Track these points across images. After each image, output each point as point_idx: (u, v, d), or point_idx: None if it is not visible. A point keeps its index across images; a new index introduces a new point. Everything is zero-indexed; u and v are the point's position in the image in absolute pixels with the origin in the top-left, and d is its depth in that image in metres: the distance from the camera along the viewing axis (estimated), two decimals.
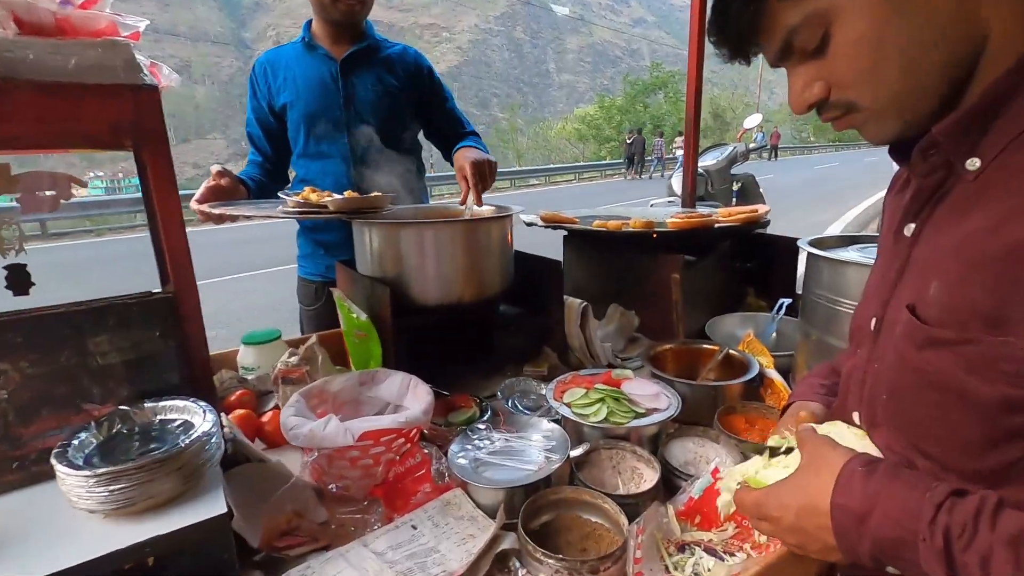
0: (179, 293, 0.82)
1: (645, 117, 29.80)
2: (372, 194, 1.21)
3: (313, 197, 1.23)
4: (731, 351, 1.27)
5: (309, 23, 1.61)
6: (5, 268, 0.93)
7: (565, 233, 1.76)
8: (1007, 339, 0.48)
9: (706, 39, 0.66)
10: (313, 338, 1.17)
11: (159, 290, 0.83)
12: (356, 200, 1.17)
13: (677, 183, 5.08)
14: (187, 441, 0.69)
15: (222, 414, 1.02)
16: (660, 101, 31.49)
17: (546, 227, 1.58)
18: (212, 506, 0.67)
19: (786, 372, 1.30)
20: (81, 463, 0.66)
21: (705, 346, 1.31)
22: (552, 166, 23.77)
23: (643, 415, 0.99)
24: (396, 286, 1.18)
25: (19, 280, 0.91)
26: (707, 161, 5.41)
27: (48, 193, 0.97)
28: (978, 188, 0.54)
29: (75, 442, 0.69)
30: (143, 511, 0.65)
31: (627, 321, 1.53)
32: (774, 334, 1.50)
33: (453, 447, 0.95)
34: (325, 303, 1.67)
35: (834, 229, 8.78)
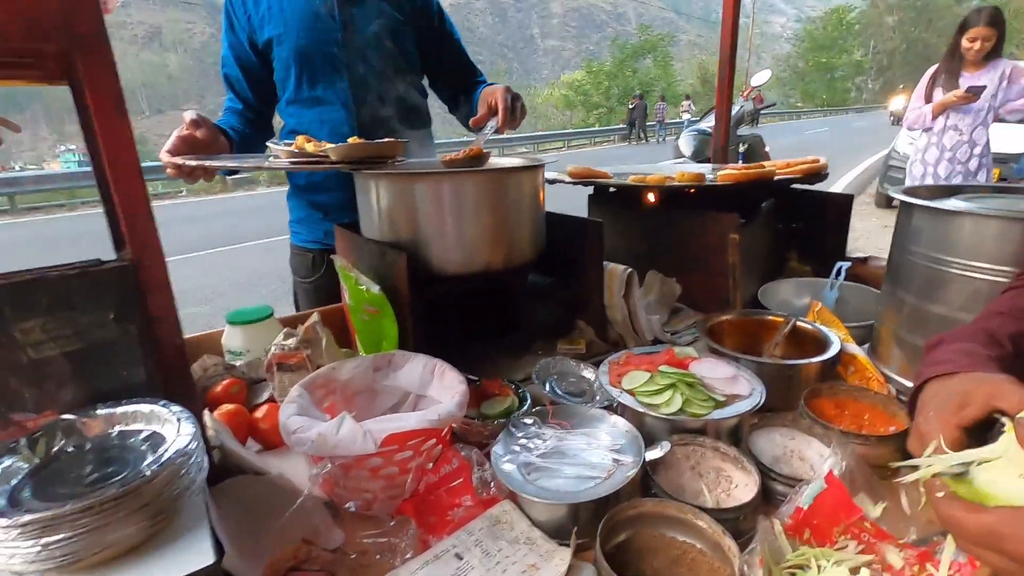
0: (140, 259, 0.61)
1: (634, 82, 29.21)
2: (382, 140, 0.99)
3: (309, 147, 1.01)
4: (799, 322, 1.10)
5: None
6: None
7: (590, 192, 1.56)
8: None
9: None
10: (314, 315, 0.97)
11: (112, 258, 0.62)
12: (362, 147, 0.96)
13: (685, 144, 4.85)
14: (157, 465, 0.49)
15: (206, 412, 0.83)
16: (649, 66, 30.83)
17: (575, 183, 1.38)
18: (195, 554, 0.48)
19: (860, 344, 1.13)
20: (3, 503, 0.46)
21: (768, 316, 1.14)
22: (540, 133, 23.24)
23: (723, 404, 0.82)
24: (412, 251, 0.98)
25: None
26: (712, 121, 5.16)
27: None
28: None
29: None
30: (94, 567, 0.46)
31: (668, 289, 1.35)
32: (834, 301, 1.33)
33: (496, 449, 0.77)
34: (324, 274, 1.45)
35: (837, 187, 8.65)
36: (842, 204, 1.54)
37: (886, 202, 7.33)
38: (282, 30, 1.29)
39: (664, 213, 1.38)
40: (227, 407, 0.89)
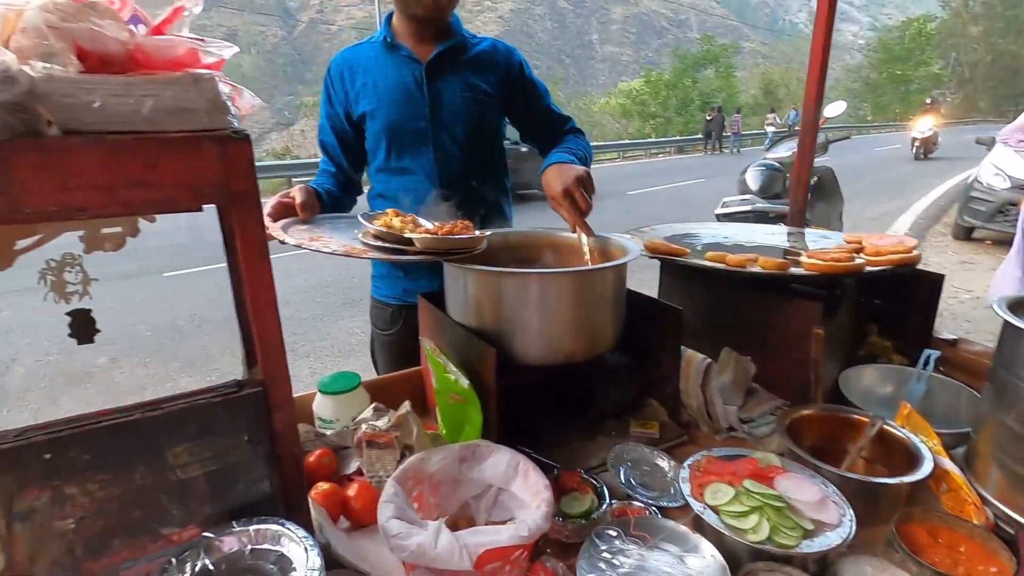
0: (269, 382, 0.67)
1: (693, 93, 28.61)
2: (466, 233, 1.03)
3: (396, 222, 1.06)
4: (886, 425, 1.07)
5: (389, 17, 1.42)
6: (68, 315, 0.81)
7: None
8: None
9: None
10: (406, 406, 1.01)
11: (242, 380, 0.68)
12: (446, 239, 1.00)
13: (753, 179, 4.70)
14: None
15: (309, 497, 0.89)
16: (709, 76, 30.13)
17: (651, 258, 1.38)
18: None
19: (950, 450, 1.09)
20: None
21: (854, 416, 1.11)
22: (594, 144, 23.11)
23: (811, 532, 0.81)
24: (497, 341, 1.01)
25: (84, 326, 0.78)
26: (781, 153, 5.00)
27: (113, 230, 0.84)
28: None
29: None
30: None
31: (743, 370, 1.33)
32: (921, 394, 1.28)
33: (582, 564, 0.78)
34: (401, 329, 1.51)
35: (902, 222, 8.21)
36: (932, 283, 1.47)
37: (965, 234, 6.89)
38: (375, 106, 1.36)
39: (741, 292, 1.36)
40: (323, 487, 0.95)
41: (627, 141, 23.19)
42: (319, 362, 3.95)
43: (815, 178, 4.79)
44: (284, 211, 1.22)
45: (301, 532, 0.62)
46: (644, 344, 1.22)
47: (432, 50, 1.38)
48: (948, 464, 0.99)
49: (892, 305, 1.55)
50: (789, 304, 1.25)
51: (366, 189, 1.55)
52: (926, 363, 1.30)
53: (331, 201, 1.40)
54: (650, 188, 13.33)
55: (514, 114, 1.50)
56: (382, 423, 1.01)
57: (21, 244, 0.77)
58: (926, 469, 0.95)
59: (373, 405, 1.06)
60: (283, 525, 0.63)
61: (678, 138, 24.48)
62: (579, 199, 1.20)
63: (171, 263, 6.26)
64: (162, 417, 0.61)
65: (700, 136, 23.51)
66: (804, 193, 1.83)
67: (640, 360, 1.23)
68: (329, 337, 4.36)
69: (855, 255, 1.23)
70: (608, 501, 0.94)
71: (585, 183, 1.24)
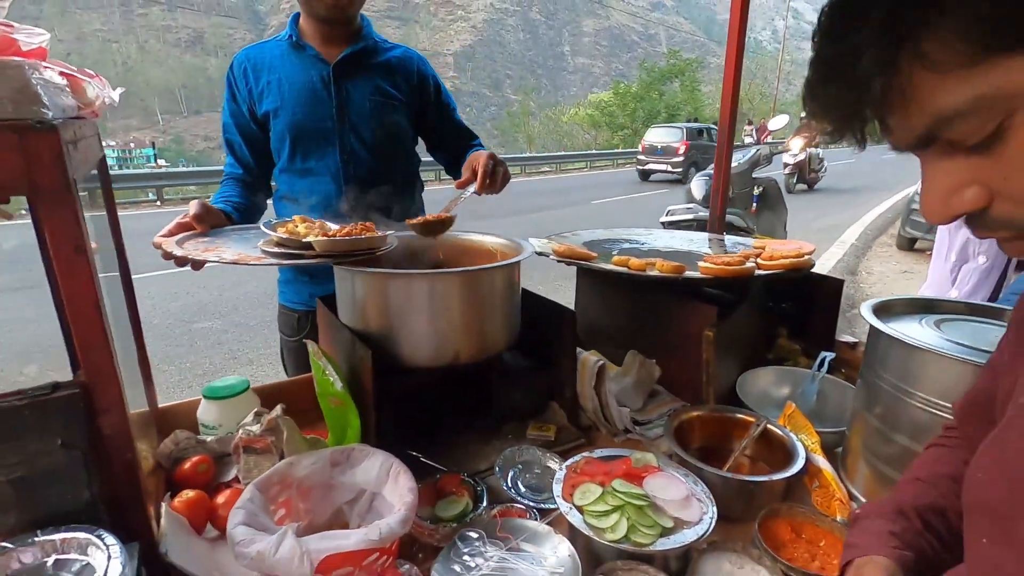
0: (93, 384, 0.64)
1: (660, 105, 29.21)
2: (367, 233, 1.02)
3: (302, 228, 1.04)
4: (770, 425, 1.09)
5: (296, 18, 1.40)
6: None
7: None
8: None
9: (805, 107, 0.46)
10: (278, 409, 0.99)
11: (59, 382, 0.65)
12: (346, 241, 0.98)
13: (697, 188, 4.83)
14: None
15: (163, 504, 0.85)
16: (676, 89, 30.82)
17: (559, 262, 1.39)
18: None
19: (833, 448, 1.12)
20: None
21: (740, 416, 1.13)
22: (563, 154, 23.37)
23: (670, 531, 0.81)
24: (381, 343, 1.00)
25: None
26: (738, 160, 5.14)
27: None
28: None
29: None
30: None
31: (646, 372, 1.34)
32: (815, 396, 1.32)
33: (437, 567, 0.77)
34: (308, 334, 1.48)
35: (852, 232, 8.50)
36: (833, 288, 1.52)
37: (908, 245, 7.18)
38: (279, 104, 1.34)
39: (647, 295, 1.38)
40: (188, 494, 0.91)
41: (594, 151, 23.49)
42: (261, 369, 3.86)
43: (760, 188, 4.93)
44: (183, 229, 1.16)
45: (111, 540, 0.60)
46: (542, 346, 1.22)
47: (340, 51, 1.37)
48: (821, 462, 1.02)
49: (798, 309, 1.59)
50: (686, 307, 1.27)
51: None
52: (821, 365, 1.33)
53: (241, 212, 1.34)
54: (615, 198, 13.51)
55: (424, 124, 1.50)
56: (257, 428, 0.98)
57: None
58: (796, 467, 0.97)
59: (255, 410, 1.03)
60: (93, 533, 0.60)
61: (632, 150, 24.92)
62: (498, 169, 1.28)
63: None
64: None
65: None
66: (722, 202, 1.87)
67: (539, 362, 1.23)
68: (274, 345, 4.23)
69: (747, 260, 1.25)
70: (485, 504, 0.94)
71: (505, 172, 1.30)
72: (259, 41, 1.43)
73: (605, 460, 0.96)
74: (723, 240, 1.79)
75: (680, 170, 15.54)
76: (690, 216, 4.54)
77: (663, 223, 4.66)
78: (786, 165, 12.87)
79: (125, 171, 15.05)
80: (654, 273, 1.24)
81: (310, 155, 1.36)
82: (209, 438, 1.08)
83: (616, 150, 24.92)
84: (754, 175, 4.97)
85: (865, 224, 9.17)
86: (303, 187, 1.38)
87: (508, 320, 1.11)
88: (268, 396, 1.20)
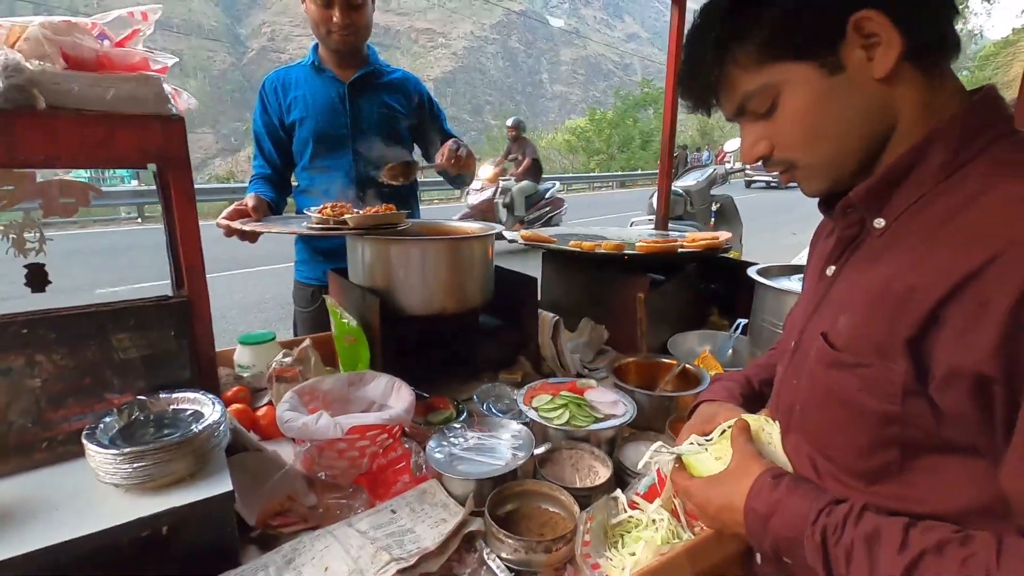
0: (192, 298, 0.93)
1: (634, 132, 30.19)
2: (390, 211, 1.32)
3: (328, 212, 1.34)
4: (687, 366, 1.40)
5: (316, 47, 1.72)
6: (25, 267, 1.03)
7: (544, 250, 1.88)
8: (890, 365, 0.60)
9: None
10: (307, 341, 1.27)
11: (171, 294, 0.93)
12: (374, 216, 1.28)
13: (655, 202, 5.27)
14: (199, 428, 0.79)
15: None
16: (650, 116, 31.93)
17: (526, 245, 1.70)
18: (219, 485, 0.77)
19: None
20: (107, 443, 0.76)
21: (664, 360, 1.44)
22: (543, 177, 23.98)
23: (601, 420, 1.12)
24: (385, 296, 1.29)
25: (38, 278, 1.01)
26: (687, 182, 5.61)
27: (67, 200, 1.07)
28: (883, 243, 0.67)
29: (101, 426, 0.79)
30: (160, 487, 0.75)
31: (597, 334, 1.66)
32: (731, 352, 1.64)
33: (431, 443, 1.06)
34: (320, 306, 1.76)
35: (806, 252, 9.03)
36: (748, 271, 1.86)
37: None
38: (304, 115, 1.66)
39: (597, 272, 1.70)
40: (236, 406, 1.18)
41: (571, 175, 24.18)
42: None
43: (718, 204, 5.38)
44: (239, 215, 1.48)
45: (211, 396, 0.88)
46: (511, 310, 1.53)
47: (353, 74, 1.70)
48: None
49: (725, 289, 1.93)
50: (627, 279, 1.59)
51: (294, 187, 1.82)
52: (736, 328, 1.66)
53: (274, 206, 1.67)
54: (591, 219, 13.98)
55: (418, 132, 1.82)
56: (288, 360, 1.26)
57: None
58: (702, 387, 1.28)
59: (283, 351, 1.31)
60: (198, 393, 0.88)
61: (620, 173, 25.74)
62: (461, 151, 1.59)
63: None
64: (110, 311, 0.85)
65: (641, 172, 24.78)
66: (665, 206, 2.22)
67: (508, 322, 1.54)
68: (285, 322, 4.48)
69: (674, 242, 1.59)
70: (465, 415, 1.23)
71: (469, 153, 1.62)
72: (285, 66, 1.76)
73: (557, 383, 1.26)
74: (667, 234, 2.13)
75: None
76: (651, 227, 4.94)
77: None
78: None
79: (105, 188, 14.99)
80: (600, 251, 1.57)
81: (328, 156, 1.68)
82: (245, 374, 1.35)
83: (592, 174, 25.66)
84: (712, 192, 5.42)
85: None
86: (321, 181, 1.69)
87: (483, 283, 1.42)
88: (286, 347, 1.47)
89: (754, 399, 0.95)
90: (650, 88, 31.79)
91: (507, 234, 1.73)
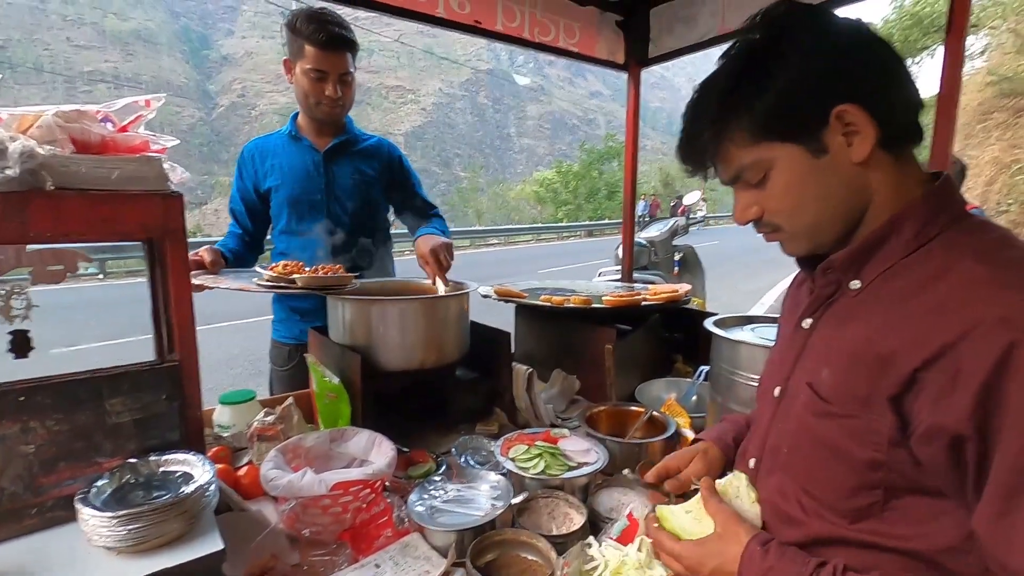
0: (183, 361, 0.97)
1: (600, 183, 31.29)
2: (336, 273, 1.40)
3: (280, 270, 1.40)
4: (655, 413, 1.48)
5: (295, 116, 1.83)
6: (10, 333, 1.06)
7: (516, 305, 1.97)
8: (875, 417, 0.69)
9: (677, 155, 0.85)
10: (290, 399, 1.31)
11: (166, 358, 0.98)
12: (322, 278, 1.35)
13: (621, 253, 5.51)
14: (190, 489, 0.83)
15: None
16: (615, 168, 33.24)
17: (499, 300, 1.79)
18: (210, 544, 0.80)
19: (700, 430, 1.51)
20: (100, 507, 0.79)
21: (633, 408, 1.51)
22: (511, 227, 24.51)
23: (575, 468, 1.18)
24: (365, 353, 1.35)
25: (21, 344, 1.05)
26: (651, 233, 5.87)
27: (56, 267, 1.12)
28: (858, 301, 0.77)
29: (93, 489, 0.81)
30: (152, 548, 0.78)
31: (569, 384, 1.73)
32: (695, 397, 1.73)
33: (412, 496, 1.10)
34: (296, 365, 1.80)
35: (771, 294, 9.43)
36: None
37: None
38: (280, 182, 1.74)
39: (567, 325, 1.79)
40: (218, 466, 1.20)
41: (540, 225, 24.80)
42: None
43: (680, 255, 5.63)
44: (195, 267, 1.53)
45: (200, 456, 0.91)
46: (486, 363, 1.60)
47: (328, 142, 1.80)
48: (688, 433, 1.41)
49: (688, 338, 2.04)
50: (595, 331, 1.68)
51: (268, 249, 1.89)
52: (699, 375, 1.76)
53: (235, 258, 1.73)
54: (560, 267, 14.26)
55: (392, 196, 1.92)
56: (270, 419, 1.29)
57: None
58: (669, 432, 1.36)
59: (264, 410, 1.34)
60: (188, 454, 0.92)
61: (587, 223, 26.50)
62: (442, 258, 1.61)
63: None
64: (107, 377, 0.89)
65: (607, 221, 25.60)
66: (629, 260, 2.36)
67: (483, 374, 1.60)
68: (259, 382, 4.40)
69: (637, 296, 1.70)
70: (445, 468, 1.27)
71: (447, 248, 1.66)
72: (264, 135, 1.85)
73: (532, 433, 1.32)
74: (632, 286, 2.25)
75: None
76: (617, 278, 5.13)
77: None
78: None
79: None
80: (569, 305, 1.66)
81: (303, 220, 1.75)
82: (225, 434, 1.37)
83: (560, 223, 26.33)
84: (674, 243, 5.69)
85: (785, 287, 10.17)
86: (297, 244, 1.75)
87: (459, 338, 1.49)
88: (267, 405, 1.49)
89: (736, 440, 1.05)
90: (614, 142, 33.19)
91: (482, 289, 1.81)
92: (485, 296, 1.89)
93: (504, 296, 1.77)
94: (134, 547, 0.76)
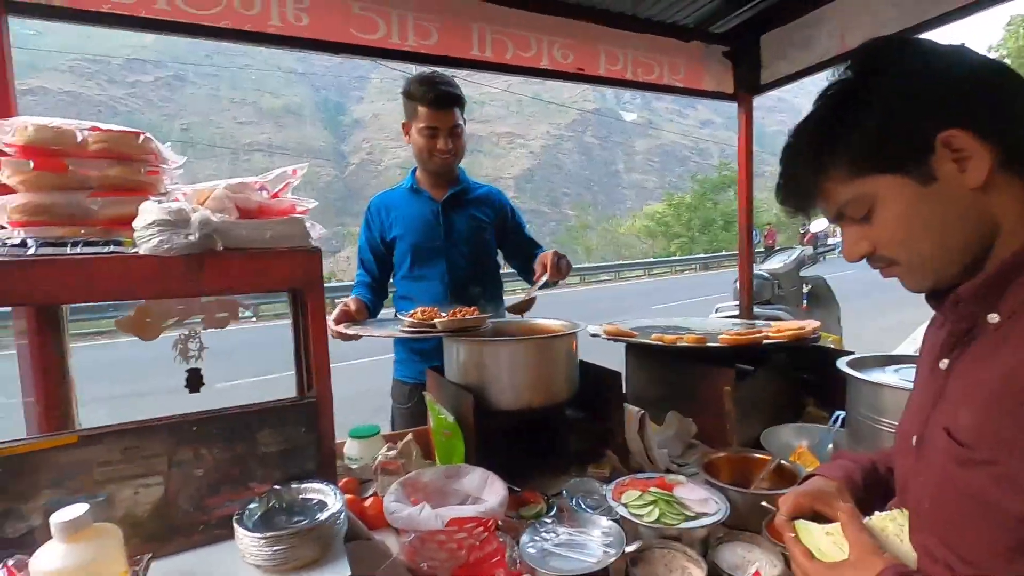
0: (320, 398, 1.08)
1: (715, 213, 29.95)
2: (474, 315, 1.48)
3: (419, 316, 1.51)
4: (783, 462, 1.36)
5: (414, 171, 2.01)
6: (187, 371, 1.25)
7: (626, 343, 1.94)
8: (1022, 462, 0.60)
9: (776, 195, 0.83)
10: (409, 435, 1.39)
11: (302, 396, 1.09)
12: (460, 320, 1.44)
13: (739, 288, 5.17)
14: (324, 516, 0.91)
15: None
16: (730, 197, 31.72)
17: (608, 340, 1.77)
18: (340, 570, 0.87)
19: None
20: (251, 527, 0.89)
21: (757, 455, 1.41)
22: (622, 262, 24.14)
23: (693, 518, 1.11)
24: (478, 392, 1.40)
25: (195, 381, 1.22)
26: (773, 265, 5.47)
27: (222, 315, 1.30)
28: (999, 338, 0.69)
29: (246, 511, 0.92)
30: (292, 570, 0.86)
31: (684, 428, 1.65)
32: (830, 446, 1.56)
33: (524, 537, 1.10)
34: (416, 402, 1.91)
35: (923, 331, 8.25)
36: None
37: None
38: (403, 231, 1.91)
39: (681, 364, 1.72)
40: (347, 496, 1.30)
41: (652, 260, 24.17)
42: None
43: (809, 287, 5.16)
44: (345, 317, 1.72)
45: (333, 487, 1.00)
46: (597, 403, 1.58)
47: (445, 192, 1.95)
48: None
49: (819, 379, 1.86)
50: (711, 372, 1.60)
51: (391, 293, 2.05)
52: (835, 421, 1.59)
53: (372, 308, 1.90)
54: (675, 303, 13.73)
55: (503, 240, 2.02)
56: (392, 453, 1.38)
57: (167, 323, 1.25)
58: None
59: (387, 445, 1.43)
60: (323, 483, 1.01)
61: (702, 256, 25.36)
62: (562, 265, 1.75)
63: None
64: (258, 411, 1.02)
65: (725, 253, 24.37)
66: (748, 295, 2.22)
67: (594, 415, 1.58)
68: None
69: (758, 334, 1.59)
70: (555, 509, 1.26)
71: (567, 262, 1.77)
72: (387, 190, 2.05)
73: (645, 478, 1.28)
74: (753, 323, 2.12)
75: None
76: (736, 312, 4.81)
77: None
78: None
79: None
80: (682, 344, 1.60)
81: (424, 265, 1.90)
82: (354, 466, 1.48)
83: (674, 257, 25.47)
84: (801, 274, 5.23)
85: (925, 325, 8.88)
86: (418, 289, 1.90)
87: (568, 378, 1.49)
88: (389, 440, 1.60)
89: (877, 486, 0.94)
90: (728, 170, 31.78)
91: (591, 328, 1.81)
92: (594, 335, 1.88)
93: (613, 336, 1.75)
94: (277, 567, 0.85)
